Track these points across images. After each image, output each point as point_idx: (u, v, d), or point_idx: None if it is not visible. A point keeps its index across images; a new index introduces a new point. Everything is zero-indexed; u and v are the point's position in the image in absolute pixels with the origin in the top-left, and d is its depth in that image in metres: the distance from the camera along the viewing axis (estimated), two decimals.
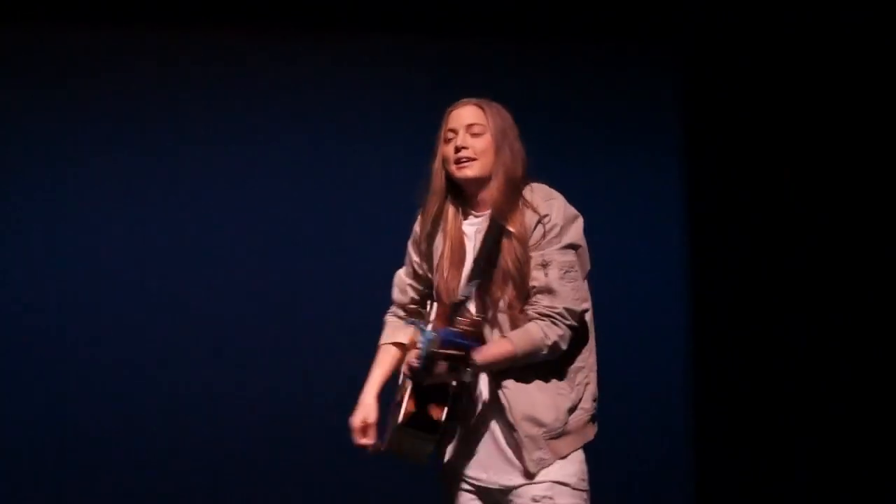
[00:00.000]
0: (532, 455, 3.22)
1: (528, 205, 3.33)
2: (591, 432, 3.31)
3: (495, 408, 3.27)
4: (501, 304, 3.26)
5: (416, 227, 3.49)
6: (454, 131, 3.38)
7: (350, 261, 5.06)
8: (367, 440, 3.33)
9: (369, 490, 5.00)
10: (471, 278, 3.26)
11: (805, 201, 5.16)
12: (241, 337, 5.08)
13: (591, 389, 3.32)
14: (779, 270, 5.16)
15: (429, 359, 3.08)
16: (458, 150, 3.35)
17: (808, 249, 5.16)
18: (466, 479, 3.33)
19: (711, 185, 5.22)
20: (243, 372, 5.06)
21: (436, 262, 3.41)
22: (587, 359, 3.31)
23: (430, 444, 3.25)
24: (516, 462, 3.25)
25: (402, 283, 3.52)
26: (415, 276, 3.48)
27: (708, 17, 5.19)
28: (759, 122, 5.20)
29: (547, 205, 3.31)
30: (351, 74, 5.19)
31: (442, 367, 3.10)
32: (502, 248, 3.28)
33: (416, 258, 3.48)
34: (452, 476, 3.35)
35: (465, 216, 3.41)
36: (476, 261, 3.29)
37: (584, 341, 3.31)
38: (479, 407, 3.30)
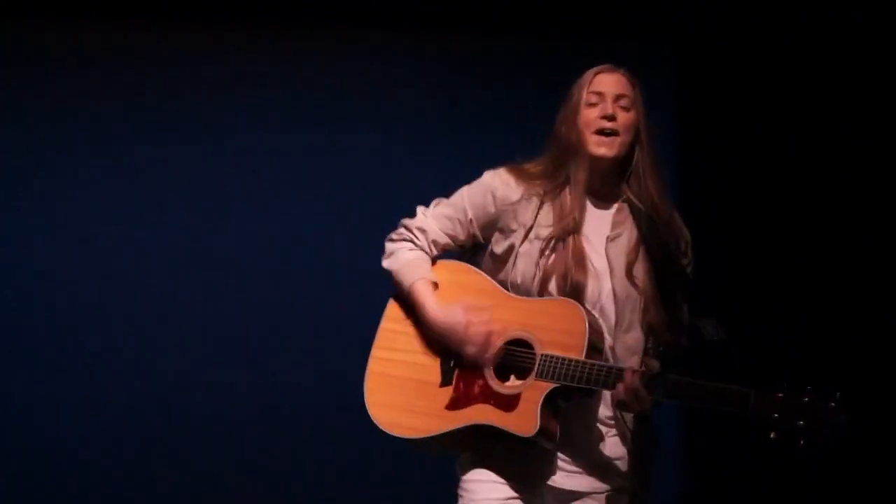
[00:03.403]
0: (644, 485, 3.09)
1: (675, 220, 3.09)
2: None
3: (606, 428, 3.07)
4: (640, 324, 3.03)
5: (503, 184, 3.10)
6: (600, 95, 3.08)
7: (351, 260, 5.00)
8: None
9: (375, 488, 5.03)
10: (699, 312, 2.97)
11: (799, 202, 5.16)
12: (241, 337, 5.09)
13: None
14: (772, 272, 5.15)
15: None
16: (605, 117, 3.05)
17: (803, 250, 5.15)
18: (553, 487, 3.07)
19: (704, 186, 5.21)
20: (243, 372, 5.07)
21: (516, 234, 3.07)
22: None
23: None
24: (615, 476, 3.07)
25: (440, 230, 3.17)
26: (459, 234, 3.16)
27: (701, 16, 5.18)
28: (753, 123, 5.19)
29: (682, 236, 3.12)
30: (351, 74, 5.19)
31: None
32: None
33: (474, 215, 3.13)
34: (531, 483, 3.06)
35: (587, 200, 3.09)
36: (679, 288, 3.03)
37: None
38: (588, 422, 3.07)
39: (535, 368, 2.96)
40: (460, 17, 5.14)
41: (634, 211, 3.07)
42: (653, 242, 3.02)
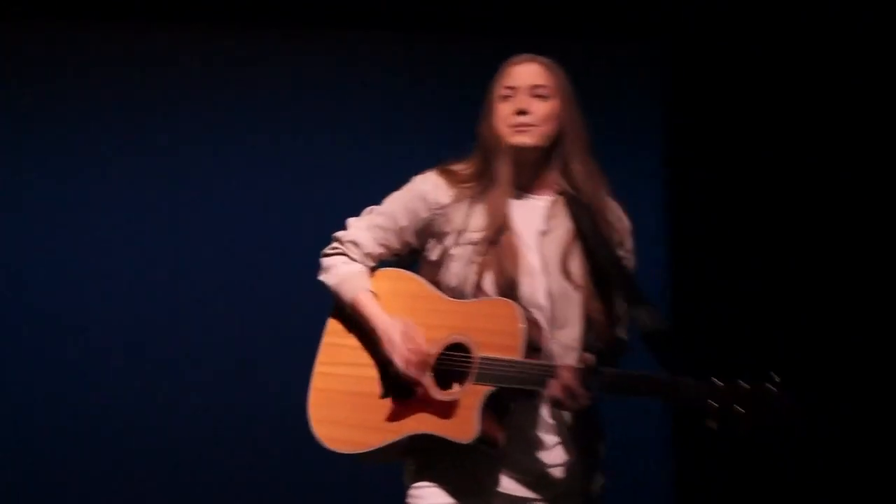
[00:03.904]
0: (597, 483, 3.03)
1: (612, 210, 3.01)
2: None
3: (549, 428, 2.99)
4: (578, 319, 2.95)
5: (432, 189, 3.04)
6: (513, 89, 2.99)
7: None
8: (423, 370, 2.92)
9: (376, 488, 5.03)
10: (636, 301, 2.89)
11: (789, 204, 5.16)
12: (241, 336, 5.09)
13: None
14: (763, 275, 5.16)
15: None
16: (518, 112, 2.97)
17: (795, 252, 5.17)
18: (500, 493, 2.98)
19: (693, 188, 5.23)
20: (244, 372, 5.07)
21: (449, 238, 3.02)
22: None
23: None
24: (565, 484, 3.00)
25: (373, 241, 3.10)
26: (393, 242, 3.09)
27: (690, 17, 5.19)
28: (742, 124, 5.19)
29: (622, 225, 3.05)
30: (351, 74, 5.20)
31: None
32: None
33: (404, 223, 3.07)
34: (472, 484, 2.99)
35: (513, 197, 3.01)
36: (617, 277, 2.93)
37: None
38: (535, 427, 2.98)
39: (473, 372, 2.89)
40: (457, 19, 5.16)
41: (567, 203, 3.00)
42: (588, 234, 2.94)
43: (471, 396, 2.88)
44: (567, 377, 2.80)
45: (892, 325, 5.07)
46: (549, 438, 2.99)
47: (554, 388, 2.82)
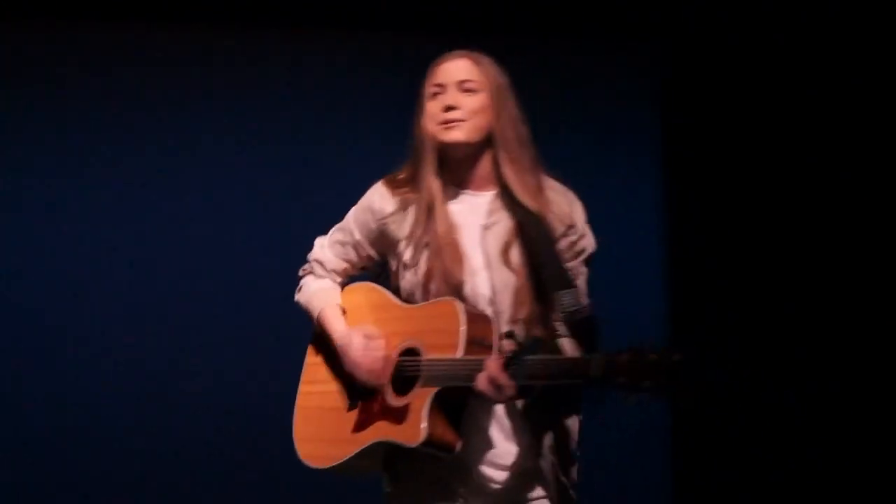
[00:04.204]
0: (569, 476, 2.94)
1: (550, 202, 2.96)
2: None
3: (513, 427, 2.93)
4: (521, 311, 2.90)
5: (378, 199, 3.04)
6: (441, 86, 2.96)
7: None
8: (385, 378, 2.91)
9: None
10: (557, 285, 2.84)
11: (787, 204, 5.18)
12: (241, 336, 5.09)
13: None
14: (761, 274, 5.18)
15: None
16: (446, 109, 2.93)
17: (793, 252, 5.18)
18: (460, 493, 2.95)
19: (691, 189, 5.25)
20: (243, 373, 5.08)
21: (403, 244, 2.99)
22: None
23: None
24: (533, 485, 2.94)
25: (335, 258, 3.12)
26: (353, 257, 3.10)
27: (688, 18, 5.21)
28: (740, 124, 5.21)
29: (570, 210, 2.99)
30: (351, 74, 5.21)
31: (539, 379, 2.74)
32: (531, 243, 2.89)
33: (359, 236, 3.08)
34: (440, 489, 2.95)
35: (453, 195, 2.99)
36: (543, 263, 2.88)
37: None
38: (492, 425, 2.94)
39: (422, 375, 2.87)
40: (456, 20, 5.16)
41: (506, 197, 2.95)
42: (525, 225, 2.90)
43: (419, 399, 2.86)
44: (492, 369, 2.75)
45: (892, 325, 5.08)
46: (508, 436, 2.94)
47: (481, 382, 2.78)
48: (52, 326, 5.03)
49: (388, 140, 5.08)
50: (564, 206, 2.99)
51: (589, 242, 3.00)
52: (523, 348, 2.78)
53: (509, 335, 2.83)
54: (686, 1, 5.16)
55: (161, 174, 5.13)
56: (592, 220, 4.91)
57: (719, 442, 5.11)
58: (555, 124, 5.16)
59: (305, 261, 3.22)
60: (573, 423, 2.96)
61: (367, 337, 2.96)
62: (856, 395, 5.09)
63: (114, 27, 5.12)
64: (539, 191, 2.97)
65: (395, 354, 2.95)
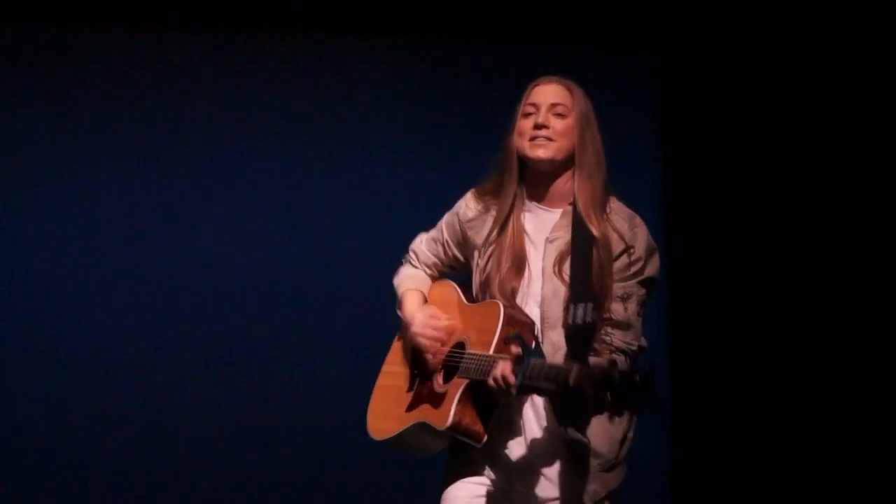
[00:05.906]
0: (588, 487, 3.11)
1: (612, 223, 3.16)
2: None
3: (544, 432, 3.13)
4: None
5: (464, 205, 3.32)
6: (535, 106, 3.21)
7: (350, 260, 5.04)
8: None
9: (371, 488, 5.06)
10: (578, 298, 3.04)
11: (785, 204, 5.17)
12: (242, 337, 5.10)
13: (633, 419, 3.20)
14: (759, 274, 5.17)
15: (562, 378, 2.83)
16: (537, 127, 3.18)
17: (791, 251, 5.18)
18: (492, 481, 3.17)
19: (689, 189, 5.24)
20: (243, 373, 5.08)
21: (480, 248, 3.25)
22: None
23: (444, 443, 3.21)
24: (558, 491, 3.12)
25: (428, 252, 3.40)
26: (441, 254, 3.37)
27: (686, 21, 5.21)
28: (738, 124, 5.21)
29: (632, 233, 3.16)
30: (351, 74, 5.21)
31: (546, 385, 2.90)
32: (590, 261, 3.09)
33: (447, 236, 3.35)
34: (470, 467, 3.19)
35: (529, 208, 3.23)
36: (579, 277, 3.08)
37: None
38: (525, 426, 3.15)
39: (460, 367, 3.13)
40: (457, 23, 5.17)
41: (573, 215, 3.18)
42: (579, 241, 3.12)
43: (454, 388, 3.10)
44: (500, 367, 2.97)
45: (892, 325, 5.09)
46: (537, 433, 3.15)
47: (490, 378, 3.00)
48: (51, 326, 5.04)
49: (388, 140, 5.15)
50: (625, 230, 3.17)
51: (648, 267, 3.18)
52: (528, 352, 2.95)
53: (516, 338, 2.99)
54: (685, 2, 5.16)
55: (161, 174, 5.13)
56: None
57: (717, 442, 5.11)
58: None
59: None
60: (606, 435, 3.14)
61: (432, 316, 3.24)
62: (855, 395, 5.08)
63: (114, 28, 5.13)
64: (604, 212, 3.17)
65: (448, 346, 3.21)
